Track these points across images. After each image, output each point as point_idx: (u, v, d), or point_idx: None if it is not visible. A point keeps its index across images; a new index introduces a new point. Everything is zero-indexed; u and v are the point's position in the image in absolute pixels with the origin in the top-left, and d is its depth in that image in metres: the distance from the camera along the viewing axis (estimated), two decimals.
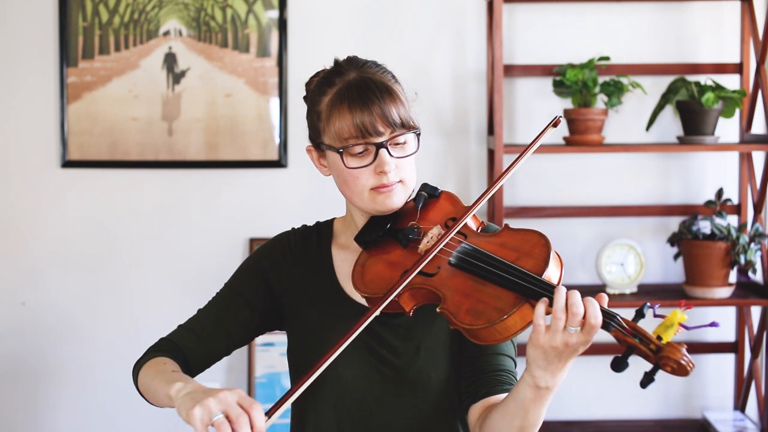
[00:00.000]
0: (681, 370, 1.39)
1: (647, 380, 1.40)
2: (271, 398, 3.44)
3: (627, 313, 3.51)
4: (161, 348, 1.78)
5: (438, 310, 1.56)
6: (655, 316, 1.45)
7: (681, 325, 1.41)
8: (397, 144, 1.69)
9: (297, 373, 1.81)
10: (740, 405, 3.50)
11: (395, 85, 1.73)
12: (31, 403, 3.55)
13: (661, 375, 1.41)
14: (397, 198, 1.71)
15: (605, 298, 1.48)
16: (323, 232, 1.87)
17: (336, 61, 1.79)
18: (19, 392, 3.55)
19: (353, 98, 1.67)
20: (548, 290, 1.47)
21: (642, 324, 1.45)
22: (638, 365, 1.46)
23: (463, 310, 1.53)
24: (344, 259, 1.80)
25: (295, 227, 1.90)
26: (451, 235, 1.62)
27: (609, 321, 1.44)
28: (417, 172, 1.75)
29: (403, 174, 1.70)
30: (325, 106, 1.72)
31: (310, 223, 1.91)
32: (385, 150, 1.67)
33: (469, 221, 1.69)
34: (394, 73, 1.77)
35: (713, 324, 1.43)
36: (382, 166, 1.67)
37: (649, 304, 1.45)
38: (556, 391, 1.54)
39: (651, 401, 3.59)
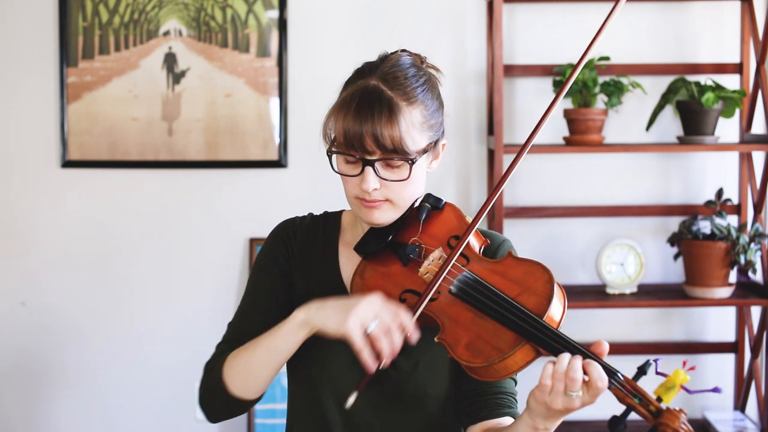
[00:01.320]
0: None
1: None
2: (270, 398, 3.44)
3: (627, 313, 3.48)
4: (221, 354, 1.73)
5: (436, 340, 1.55)
6: (657, 373, 1.43)
7: (683, 387, 1.39)
8: (390, 166, 1.63)
9: (293, 369, 1.79)
10: (740, 405, 3.50)
11: (409, 107, 1.64)
12: (31, 403, 3.55)
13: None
14: (381, 215, 1.66)
15: (605, 348, 1.46)
16: (330, 224, 1.83)
17: (385, 55, 1.70)
18: (19, 392, 3.55)
19: (350, 109, 1.61)
20: (548, 336, 1.46)
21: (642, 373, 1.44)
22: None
23: (462, 344, 1.52)
24: (349, 258, 1.78)
25: (301, 215, 1.86)
26: (453, 262, 1.59)
27: (609, 378, 1.43)
28: (422, 188, 1.70)
29: (390, 195, 1.64)
30: (335, 104, 1.67)
31: (317, 212, 1.88)
32: (371, 169, 1.62)
33: (472, 240, 1.65)
34: (432, 86, 1.70)
35: (716, 389, 1.42)
36: (362, 183, 1.62)
37: (651, 360, 1.43)
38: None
39: None
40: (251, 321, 1.76)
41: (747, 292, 3.39)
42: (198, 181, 3.54)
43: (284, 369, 1.89)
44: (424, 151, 1.67)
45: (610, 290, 3.39)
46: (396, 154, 1.61)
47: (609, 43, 3.48)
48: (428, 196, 1.72)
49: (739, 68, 3.49)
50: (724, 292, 3.30)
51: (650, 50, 3.53)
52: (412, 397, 1.70)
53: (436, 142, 1.71)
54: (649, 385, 1.43)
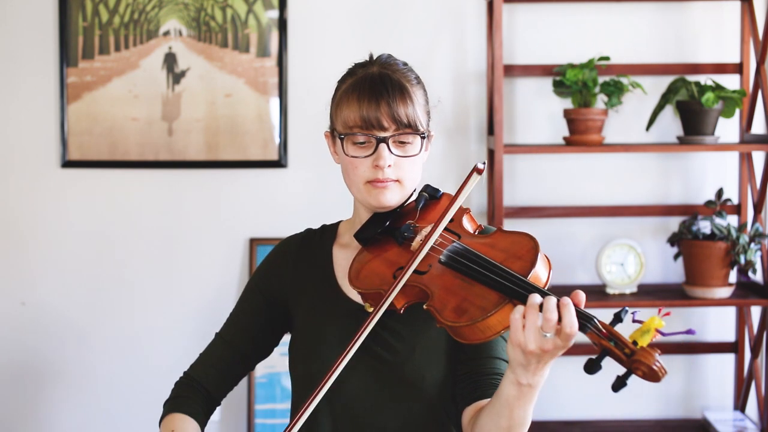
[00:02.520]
0: (653, 376, 1.38)
1: (619, 384, 1.40)
2: (270, 398, 3.44)
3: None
4: (183, 393, 1.88)
5: (425, 306, 1.58)
6: (634, 321, 1.44)
7: (657, 331, 1.40)
8: (401, 143, 1.73)
9: (294, 368, 1.84)
10: (740, 405, 3.50)
11: (413, 87, 1.76)
12: (31, 403, 3.55)
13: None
14: (391, 195, 1.74)
15: (582, 297, 1.47)
16: (327, 233, 1.91)
17: (370, 55, 1.83)
18: (19, 392, 3.55)
19: (364, 90, 1.73)
20: (530, 291, 1.48)
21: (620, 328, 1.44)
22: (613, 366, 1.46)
23: (449, 307, 1.54)
24: (344, 257, 1.84)
25: (298, 232, 1.94)
26: (439, 230, 1.64)
27: (585, 323, 1.43)
28: (422, 174, 1.78)
29: (401, 173, 1.73)
30: (341, 93, 1.77)
31: (315, 225, 1.95)
32: (385, 145, 1.71)
33: (466, 224, 1.71)
34: (421, 78, 1.82)
35: (690, 331, 1.43)
36: (378, 159, 1.71)
37: (627, 308, 1.45)
38: (545, 391, 1.55)
39: (651, 401, 3.59)
40: (224, 358, 1.90)
41: (747, 292, 3.39)
42: (198, 181, 3.54)
43: (286, 368, 1.91)
44: (427, 131, 1.77)
45: (610, 290, 3.39)
46: (409, 128, 1.72)
47: (609, 43, 3.49)
48: (426, 187, 1.80)
49: (739, 68, 3.49)
50: (724, 292, 3.30)
51: (650, 50, 3.53)
52: (409, 382, 1.72)
53: (428, 130, 1.80)
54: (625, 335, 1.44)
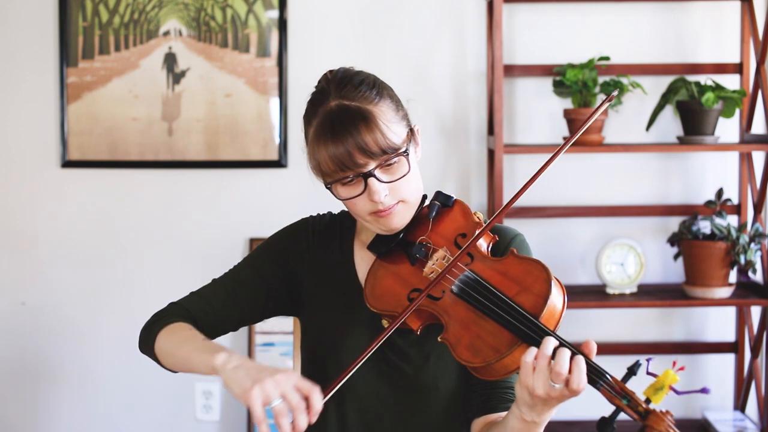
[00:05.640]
0: None
1: None
2: None
3: (627, 313, 3.47)
4: (175, 313, 1.80)
5: (439, 339, 1.58)
6: (648, 373, 1.43)
7: (671, 388, 1.40)
8: (388, 166, 1.65)
9: (308, 364, 1.82)
10: (740, 405, 3.50)
11: (377, 106, 1.65)
12: (31, 403, 3.55)
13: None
14: (400, 218, 1.69)
15: (593, 349, 1.47)
16: (347, 223, 1.86)
17: (324, 79, 1.71)
18: (19, 392, 3.55)
19: (327, 134, 1.63)
20: (545, 336, 1.48)
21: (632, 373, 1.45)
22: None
23: (463, 344, 1.54)
24: (363, 258, 1.80)
25: (320, 213, 1.90)
26: (453, 262, 1.61)
27: (597, 379, 1.44)
28: (422, 180, 1.72)
29: (401, 194, 1.67)
30: (310, 138, 1.69)
31: (335, 210, 1.90)
32: (373, 178, 1.63)
33: (480, 240, 1.68)
34: (381, 83, 1.71)
35: (704, 390, 1.43)
36: (372, 195, 1.64)
37: (641, 361, 1.44)
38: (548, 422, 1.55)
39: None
40: (223, 300, 1.80)
41: (747, 292, 3.39)
42: (198, 181, 3.54)
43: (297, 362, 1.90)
44: (408, 140, 1.69)
45: (610, 290, 3.39)
46: (387, 154, 1.63)
47: (609, 43, 3.48)
48: (438, 194, 1.75)
49: (739, 68, 3.49)
50: (724, 292, 3.29)
51: (650, 50, 3.53)
52: (423, 390, 1.72)
53: (411, 130, 1.72)
54: (640, 384, 1.44)
